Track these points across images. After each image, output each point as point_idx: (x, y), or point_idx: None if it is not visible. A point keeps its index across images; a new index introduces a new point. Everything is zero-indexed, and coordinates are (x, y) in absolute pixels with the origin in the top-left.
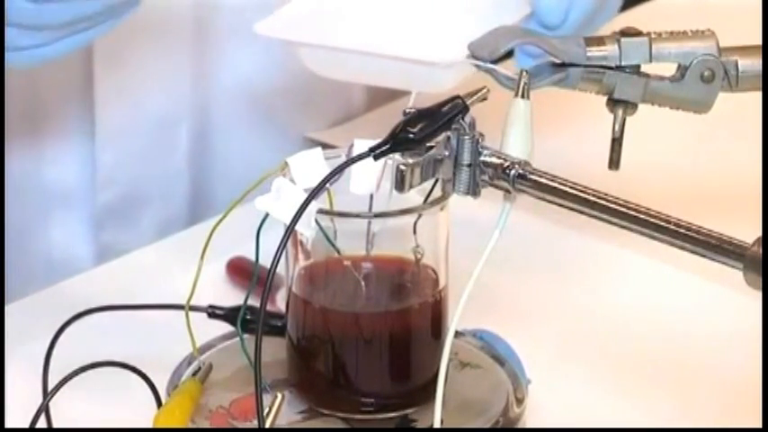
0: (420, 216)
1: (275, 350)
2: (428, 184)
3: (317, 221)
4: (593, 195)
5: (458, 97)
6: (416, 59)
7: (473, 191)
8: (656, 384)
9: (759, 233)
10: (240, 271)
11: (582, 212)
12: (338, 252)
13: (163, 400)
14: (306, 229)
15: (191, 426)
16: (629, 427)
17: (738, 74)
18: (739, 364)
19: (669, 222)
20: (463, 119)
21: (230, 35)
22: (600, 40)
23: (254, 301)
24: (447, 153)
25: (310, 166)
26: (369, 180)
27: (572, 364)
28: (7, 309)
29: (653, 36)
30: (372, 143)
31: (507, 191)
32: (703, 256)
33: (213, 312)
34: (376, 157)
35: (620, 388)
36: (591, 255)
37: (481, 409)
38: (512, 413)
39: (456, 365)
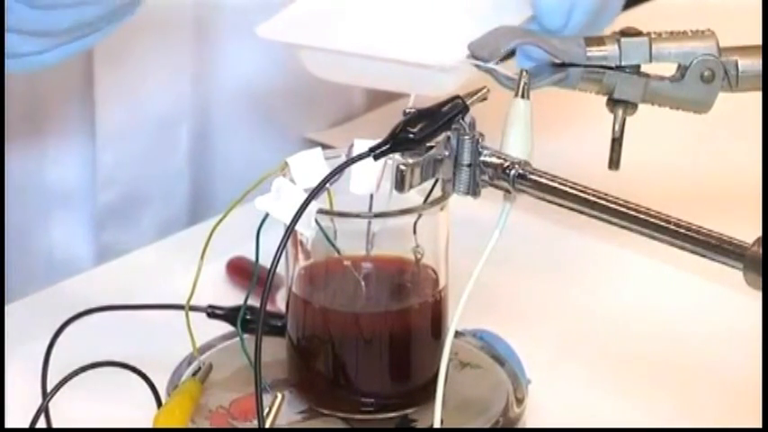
0: (420, 216)
1: (275, 350)
2: (428, 184)
3: (317, 221)
4: (593, 195)
5: (458, 97)
6: (418, 63)
7: (473, 191)
8: (656, 384)
9: (759, 233)
10: (240, 271)
11: (582, 212)
12: (338, 252)
13: (163, 400)
14: (306, 229)
15: (191, 426)
16: (629, 427)
17: (738, 74)
18: (739, 364)
19: (669, 222)
20: (463, 119)
21: (231, 35)
22: (600, 40)
23: (254, 301)
24: (447, 153)
25: (310, 166)
26: (369, 180)
27: (572, 364)
28: (7, 309)
29: (653, 36)
30: (372, 143)
31: (507, 191)
32: (703, 256)
33: (213, 312)
34: (376, 157)
35: (620, 388)
36: (591, 255)
37: (481, 409)
38: (512, 413)
39: (456, 365)
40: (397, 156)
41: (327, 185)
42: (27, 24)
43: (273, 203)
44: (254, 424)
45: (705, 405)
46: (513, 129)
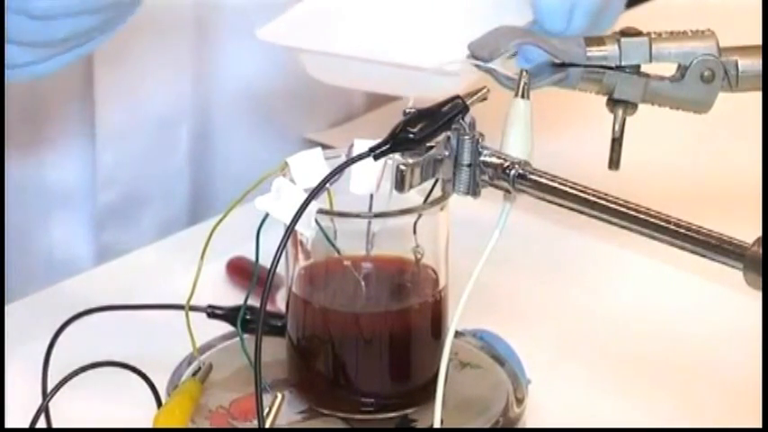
0: (420, 216)
1: (275, 350)
2: (428, 184)
3: (317, 221)
4: (593, 195)
5: (458, 97)
6: (418, 67)
7: (473, 191)
8: (656, 384)
9: (759, 233)
10: (240, 271)
11: (582, 212)
12: (338, 252)
13: (163, 400)
14: (306, 229)
15: (191, 426)
16: (629, 427)
17: (738, 74)
18: (739, 364)
19: (669, 222)
20: (463, 119)
21: (231, 35)
22: (600, 40)
23: (254, 301)
24: (447, 153)
25: (310, 166)
26: (369, 180)
27: (572, 364)
28: (7, 309)
29: (653, 36)
30: (372, 143)
31: (507, 191)
32: (703, 256)
33: (213, 312)
34: (376, 157)
35: (620, 388)
36: (591, 255)
37: (481, 409)
38: (512, 413)
39: (456, 365)
40: (397, 156)
41: (327, 185)
42: (25, 35)
43: (273, 203)
44: (254, 424)
45: (705, 405)
46: (513, 129)
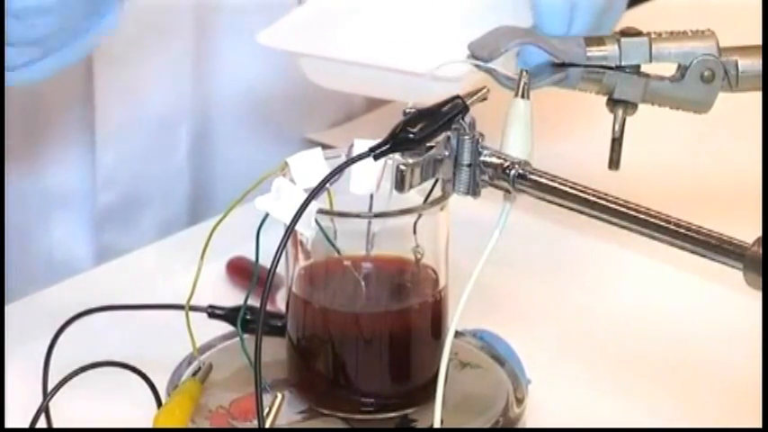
0: (420, 216)
1: (275, 350)
2: (428, 184)
3: (317, 221)
4: (593, 195)
5: (458, 97)
6: (417, 72)
7: (473, 191)
8: (656, 384)
9: (759, 233)
10: (240, 271)
11: (582, 212)
12: (338, 252)
13: (163, 400)
14: (306, 229)
15: (191, 426)
16: (629, 427)
17: (738, 74)
18: (739, 364)
19: (669, 222)
20: (463, 119)
21: (231, 36)
22: (600, 40)
23: (254, 301)
24: (447, 153)
25: (310, 166)
26: (369, 180)
27: (572, 364)
28: (7, 309)
29: (653, 36)
30: (372, 143)
31: (507, 191)
32: (703, 256)
33: (213, 312)
34: (376, 157)
35: (620, 388)
36: (591, 255)
37: (481, 409)
38: (512, 413)
39: (456, 365)
40: (397, 156)
41: (327, 185)
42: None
43: (273, 203)
44: (254, 424)
45: (705, 405)
46: (513, 129)
